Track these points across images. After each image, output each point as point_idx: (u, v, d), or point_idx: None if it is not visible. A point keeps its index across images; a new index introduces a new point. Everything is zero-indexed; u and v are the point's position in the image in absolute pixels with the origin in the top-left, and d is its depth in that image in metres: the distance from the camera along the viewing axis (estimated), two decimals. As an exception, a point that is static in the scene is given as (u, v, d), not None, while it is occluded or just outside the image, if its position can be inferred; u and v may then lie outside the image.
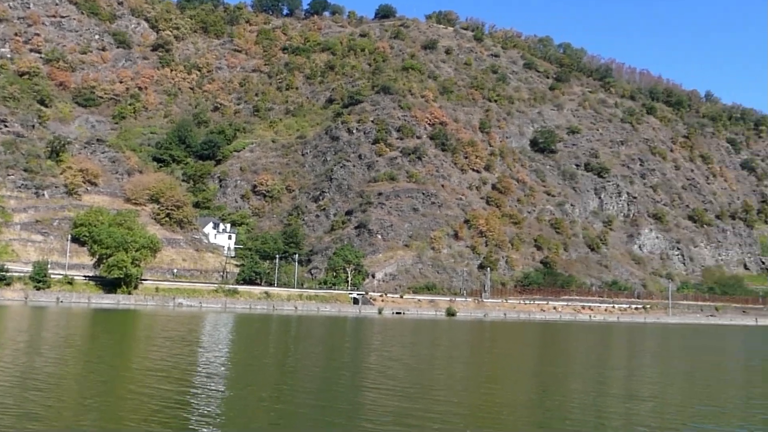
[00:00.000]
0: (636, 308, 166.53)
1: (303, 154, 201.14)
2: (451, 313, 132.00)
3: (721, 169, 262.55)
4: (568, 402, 15.57)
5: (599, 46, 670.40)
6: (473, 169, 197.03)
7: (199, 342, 40.06)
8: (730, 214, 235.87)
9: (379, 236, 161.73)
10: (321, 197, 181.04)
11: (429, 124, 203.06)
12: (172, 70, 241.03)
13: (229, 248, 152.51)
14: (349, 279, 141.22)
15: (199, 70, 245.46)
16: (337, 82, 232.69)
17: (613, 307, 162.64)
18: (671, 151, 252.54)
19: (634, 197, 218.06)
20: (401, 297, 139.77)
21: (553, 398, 16.28)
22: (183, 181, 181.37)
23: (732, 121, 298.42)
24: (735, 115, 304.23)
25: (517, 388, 19.23)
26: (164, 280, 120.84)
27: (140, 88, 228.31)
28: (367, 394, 19.72)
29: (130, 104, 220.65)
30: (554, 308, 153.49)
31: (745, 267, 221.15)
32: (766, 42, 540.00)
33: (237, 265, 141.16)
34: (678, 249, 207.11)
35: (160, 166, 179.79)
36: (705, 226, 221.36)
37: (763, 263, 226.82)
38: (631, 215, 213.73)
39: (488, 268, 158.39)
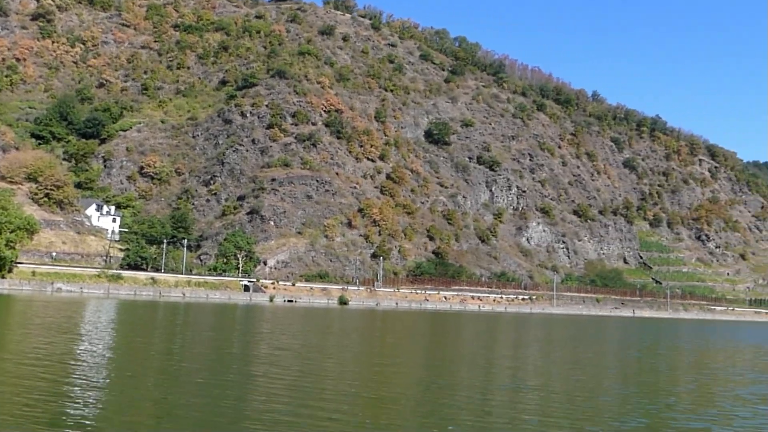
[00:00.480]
0: (523, 299, 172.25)
1: (194, 137, 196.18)
2: (343, 301, 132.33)
3: (605, 166, 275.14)
4: (455, 392, 15.52)
5: (493, 42, 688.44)
6: (368, 158, 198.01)
7: (78, 330, 37.80)
8: (612, 210, 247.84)
9: (272, 223, 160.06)
10: (212, 181, 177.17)
11: (324, 110, 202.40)
12: (53, 42, 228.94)
13: (113, 232, 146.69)
14: (240, 266, 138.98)
15: (84, 44, 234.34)
16: (231, 63, 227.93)
17: (501, 297, 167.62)
18: (559, 147, 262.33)
19: (524, 191, 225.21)
20: (293, 285, 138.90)
21: (441, 388, 16.16)
22: (64, 159, 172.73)
23: (616, 120, 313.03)
24: (619, 115, 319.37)
25: (407, 377, 19.06)
26: (42, 264, 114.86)
27: (18, 60, 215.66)
28: (256, 385, 19.08)
29: (6, 76, 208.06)
30: (445, 298, 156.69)
31: (625, 261, 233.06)
32: (650, 44, 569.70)
33: (122, 250, 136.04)
34: (563, 242, 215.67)
35: (39, 143, 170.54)
36: (589, 221, 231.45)
37: (641, 258, 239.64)
38: (520, 208, 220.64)
39: (381, 257, 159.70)
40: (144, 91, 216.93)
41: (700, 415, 13.81)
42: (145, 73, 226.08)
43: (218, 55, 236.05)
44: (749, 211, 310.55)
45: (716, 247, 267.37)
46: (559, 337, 41.92)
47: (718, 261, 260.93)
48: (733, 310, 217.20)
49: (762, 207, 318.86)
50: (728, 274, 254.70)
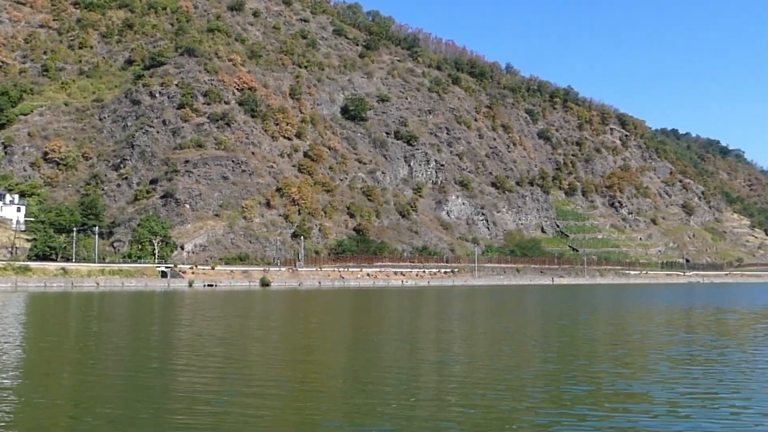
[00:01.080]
0: (445, 272, 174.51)
1: (101, 119, 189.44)
2: (265, 283, 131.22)
3: (520, 138, 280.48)
4: (383, 369, 15.24)
5: (406, 16, 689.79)
6: (284, 137, 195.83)
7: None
8: (529, 181, 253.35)
9: (188, 206, 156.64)
10: (122, 165, 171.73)
11: (237, 89, 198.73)
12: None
13: (18, 221, 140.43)
14: (156, 251, 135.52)
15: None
16: (137, 42, 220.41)
17: (424, 271, 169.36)
18: (475, 120, 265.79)
19: (442, 165, 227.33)
20: (213, 269, 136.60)
21: (369, 366, 15.89)
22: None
23: (530, 92, 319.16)
24: (532, 87, 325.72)
25: (334, 357, 18.71)
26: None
27: None
28: (179, 375, 18.27)
29: None
30: (368, 275, 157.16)
31: (543, 230, 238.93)
32: (560, 16, 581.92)
33: (28, 240, 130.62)
34: (483, 214, 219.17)
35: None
36: (506, 192, 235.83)
37: (558, 226, 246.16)
38: (439, 182, 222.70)
39: (302, 237, 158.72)
40: (45, 73, 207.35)
41: (638, 380, 14.05)
42: (45, 53, 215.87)
43: (123, 33, 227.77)
44: (659, 177, 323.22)
45: (629, 213, 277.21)
46: (482, 309, 42.44)
47: (630, 227, 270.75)
48: (646, 273, 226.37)
49: (670, 173, 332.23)
50: (640, 238, 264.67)
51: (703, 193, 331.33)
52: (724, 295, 72.43)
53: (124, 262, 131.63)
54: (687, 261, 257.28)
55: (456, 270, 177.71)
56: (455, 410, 10.73)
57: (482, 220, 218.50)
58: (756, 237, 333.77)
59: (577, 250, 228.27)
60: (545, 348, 19.79)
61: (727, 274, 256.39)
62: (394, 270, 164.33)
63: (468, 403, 11.93)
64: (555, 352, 18.10)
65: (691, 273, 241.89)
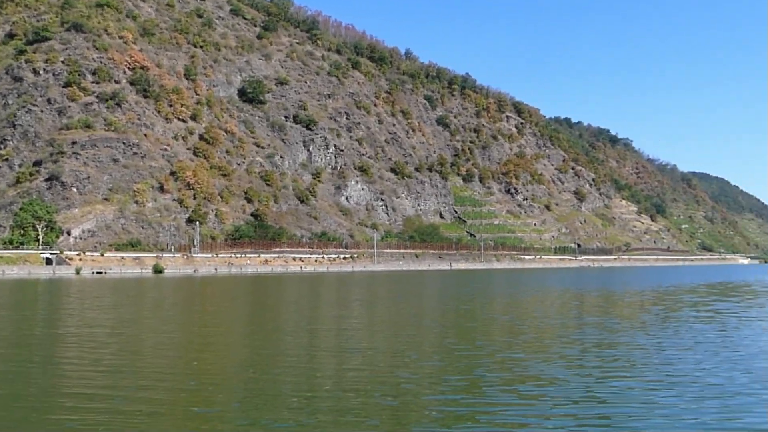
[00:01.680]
0: (344, 258, 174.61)
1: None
2: (158, 270, 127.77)
3: (419, 124, 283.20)
4: (283, 359, 14.67)
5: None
6: (179, 118, 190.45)
7: None
8: (428, 167, 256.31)
9: (75, 189, 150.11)
10: (3, 146, 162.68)
11: (128, 68, 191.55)
12: None
13: None
14: (41, 237, 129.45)
15: None
16: (19, 15, 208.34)
17: (323, 257, 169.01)
18: (375, 105, 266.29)
19: (341, 150, 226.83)
20: (102, 255, 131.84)
21: (268, 356, 15.26)
22: None
23: (429, 79, 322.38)
24: (431, 74, 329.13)
25: (232, 347, 17.93)
26: None
27: None
28: (65, 369, 17.06)
29: None
30: (266, 261, 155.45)
31: (441, 216, 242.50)
32: (458, 3, 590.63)
33: None
34: (382, 200, 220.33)
35: None
36: (406, 178, 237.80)
37: (456, 212, 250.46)
38: (339, 168, 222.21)
39: (197, 222, 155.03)
40: None
41: (550, 364, 14.03)
42: None
43: (3, 5, 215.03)
44: (552, 165, 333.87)
45: (524, 200, 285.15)
46: (383, 295, 42.37)
47: (525, 212, 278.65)
48: (540, 258, 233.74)
49: (563, 160, 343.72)
50: (535, 224, 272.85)
51: (593, 180, 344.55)
52: (616, 279, 75.41)
53: (5, 249, 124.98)
54: (578, 246, 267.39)
55: (355, 256, 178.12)
56: (362, 400, 10.31)
57: (381, 205, 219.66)
58: (642, 223, 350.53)
59: (475, 236, 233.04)
60: (452, 334, 19.69)
61: (615, 259, 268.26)
62: (292, 256, 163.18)
63: (382, 394, 11.55)
64: (463, 339, 18.00)
65: (582, 258, 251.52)
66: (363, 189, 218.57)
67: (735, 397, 10.05)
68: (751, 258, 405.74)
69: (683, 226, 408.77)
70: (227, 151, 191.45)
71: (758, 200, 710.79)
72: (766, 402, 9.17)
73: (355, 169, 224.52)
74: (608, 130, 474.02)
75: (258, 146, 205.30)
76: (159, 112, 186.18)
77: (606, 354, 14.44)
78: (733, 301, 28.66)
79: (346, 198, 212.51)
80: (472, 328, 19.83)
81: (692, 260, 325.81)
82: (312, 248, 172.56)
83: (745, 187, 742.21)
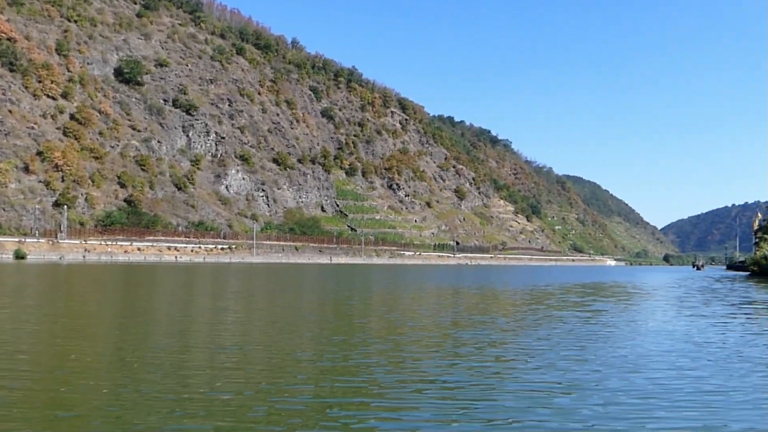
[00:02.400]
0: (222, 248, 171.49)
1: None
2: (20, 255, 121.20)
3: (303, 115, 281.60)
4: (152, 358, 13.87)
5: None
6: (48, 96, 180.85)
7: None
8: (311, 159, 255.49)
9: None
10: None
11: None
12: None
13: None
14: None
15: None
16: None
17: (200, 247, 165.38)
18: (259, 93, 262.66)
19: (223, 137, 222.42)
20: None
21: (137, 353, 14.42)
22: None
23: (315, 70, 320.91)
24: (318, 65, 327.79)
25: (99, 340, 16.95)
26: None
27: None
28: None
29: None
30: (139, 249, 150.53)
31: (323, 209, 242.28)
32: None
33: None
34: (263, 191, 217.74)
35: None
36: (288, 169, 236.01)
37: (338, 206, 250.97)
38: (219, 155, 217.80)
39: (65, 206, 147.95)
40: None
41: (444, 364, 14.00)
42: None
43: None
44: (434, 162, 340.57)
45: (405, 196, 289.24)
46: (261, 287, 41.74)
47: (407, 209, 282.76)
48: (420, 254, 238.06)
49: (445, 158, 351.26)
50: (416, 221, 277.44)
51: (474, 179, 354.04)
52: (494, 277, 77.55)
53: None
54: (457, 243, 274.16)
55: (234, 247, 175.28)
56: (234, 400, 9.96)
57: (262, 196, 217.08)
58: (519, 222, 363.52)
59: (356, 230, 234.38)
60: (331, 330, 19.55)
61: (492, 257, 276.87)
62: (167, 245, 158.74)
63: (255, 394, 11.26)
64: (342, 336, 17.88)
65: (460, 255, 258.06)
66: (244, 178, 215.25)
67: (633, 397, 10.39)
68: (618, 260, 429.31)
69: (556, 227, 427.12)
70: (100, 133, 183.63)
71: (626, 204, 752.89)
72: (664, 406, 9.55)
73: (236, 157, 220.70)
74: (489, 131, 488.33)
75: (134, 129, 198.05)
76: (26, 87, 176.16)
77: (492, 352, 14.68)
78: (610, 301, 30.01)
79: (226, 187, 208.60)
80: (352, 325, 19.74)
81: (564, 260, 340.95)
82: (188, 237, 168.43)
83: (615, 191, 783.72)
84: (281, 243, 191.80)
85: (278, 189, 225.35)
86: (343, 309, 24.81)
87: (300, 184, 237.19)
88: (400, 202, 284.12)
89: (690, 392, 10.24)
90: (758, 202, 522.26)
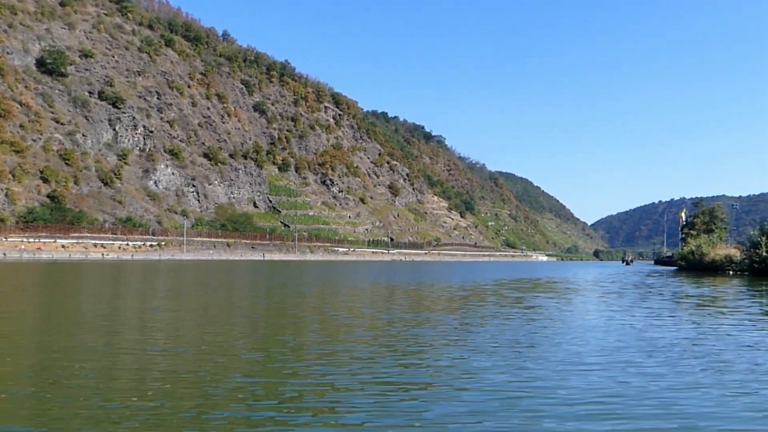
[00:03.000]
0: (151, 245, 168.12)
1: None
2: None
3: (235, 109, 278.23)
4: (78, 359, 13.32)
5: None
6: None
7: None
8: (243, 154, 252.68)
9: None
10: None
11: None
12: None
13: None
14: None
15: None
16: None
17: (128, 244, 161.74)
18: (189, 87, 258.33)
19: (151, 131, 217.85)
20: None
21: (61, 357, 13.80)
22: None
23: (247, 63, 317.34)
24: (249, 58, 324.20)
25: (18, 343, 16.19)
26: None
27: None
28: None
29: None
30: (63, 247, 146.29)
31: (255, 205, 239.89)
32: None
33: None
34: (193, 186, 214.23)
35: None
36: (219, 164, 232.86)
37: (271, 202, 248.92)
38: (148, 150, 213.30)
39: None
40: None
41: (397, 360, 13.91)
42: None
43: None
44: (368, 158, 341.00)
45: (339, 192, 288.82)
46: (192, 285, 40.96)
47: (341, 205, 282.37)
48: (354, 251, 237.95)
49: (379, 154, 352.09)
50: (350, 217, 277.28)
51: (408, 175, 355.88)
52: (430, 273, 78.08)
53: None
54: (391, 240, 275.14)
55: (163, 243, 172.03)
56: (163, 406, 9.65)
57: (193, 192, 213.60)
58: (452, 219, 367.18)
59: (289, 226, 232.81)
60: (265, 329, 19.34)
61: (426, 253, 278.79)
62: (93, 242, 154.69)
63: (183, 398, 11.01)
64: (276, 334, 17.70)
65: (395, 251, 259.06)
66: (173, 173, 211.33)
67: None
68: (549, 255, 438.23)
69: (490, 223, 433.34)
70: (21, 126, 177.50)
71: (557, 201, 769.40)
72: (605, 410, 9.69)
73: (165, 152, 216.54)
74: (423, 127, 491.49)
75: (57, 122, 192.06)
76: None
77: (448, 351, 14.73)
78: (553, 297, 30.53)
79: (155, 182, 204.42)
80: (285, 323, 19.52)
81: (497, 256, 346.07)
82: (115, 234, 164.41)
83: (547, 188, 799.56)
84: (212, 240, 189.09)
85: (209, 184, 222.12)
86: (279, 307, 24.54)
87: (232, 180, 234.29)
88: (334, 198, 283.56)
89: (647, 389, 10.41)
90: (684, 198, 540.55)
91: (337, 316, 20.98)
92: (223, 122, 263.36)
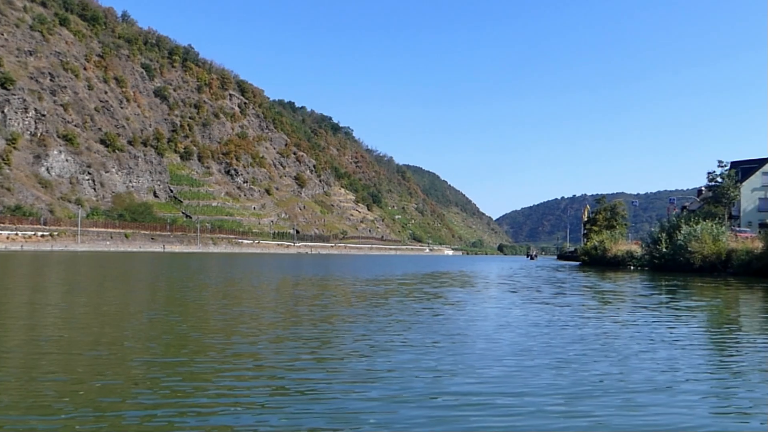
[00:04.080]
0: (42, 236, 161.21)
1: None
2: None
3: (134, 94, 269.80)
4: None
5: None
6: None
7: None
8: (142, 141, 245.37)
9: None
10: None
11: None
12: None
13: None
14: None
15: None
16: None
17: (17, 234, 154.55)
18: (85, 69, 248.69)
19: (43, 115, 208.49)
20: None
21: None
22: None
23: (147, 46, 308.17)
24: (150, 41, 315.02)
25: None
26: None
27: None
28: None
29: None
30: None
31: (155, 194, 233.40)
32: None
33: None
34: (89, 174, 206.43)
35: None
36: (117, 151, 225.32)
37: (172, 191, 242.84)
38: (39, 134, 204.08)
39: None
40: None
41: (281, 355, 13.18)
42: None
43: None
44: (274, 148, 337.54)
45: (244, 182, 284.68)
46: (86, 278, 39.04)
47: (245, 195, 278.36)
48: (258, 243, 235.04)
49: (286, 145, 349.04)
50: (254, 208, 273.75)
51: (314, 166, 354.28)
52: (337, 266, 77.37)
53: None
54: (297, 232, 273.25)
55: (56, 233, 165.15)
56: (52, 409, 8.68)
57: (88, 179, 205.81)
58: (359, 212, 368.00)
59: (191, 217, 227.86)
60: (164, 325, 18.35)
61: (332, 246, 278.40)
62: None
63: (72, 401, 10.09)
64: (179, 331, 16.74)
65: (300, 244, 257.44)
66: (67, 160, 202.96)
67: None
68: (455, 249, 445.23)
69: (396, 217, 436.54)
70: None
71: (464, 195, 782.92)
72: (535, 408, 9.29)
73: (59, 137, 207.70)
74: (330, 118, 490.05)
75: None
76: None
77: (380, 353, 14.13)
78: (470, 292, 30.44)
79: (47, 169, 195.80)
80: (188, 318, 18.52)
81: (404, 250, 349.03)
82: (3, 223, 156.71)
83: (453, 182, 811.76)
84: (109, 230, 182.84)
85: (106, 172, 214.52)
86: (181, 303, 23.34)
87: (130, 168, 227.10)
88: (239, 188, 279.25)
89: (581, 385, 10.11)
90: (585, 195, 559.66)
91: (252, 314, 20.15)
92: (122, 107, 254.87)
